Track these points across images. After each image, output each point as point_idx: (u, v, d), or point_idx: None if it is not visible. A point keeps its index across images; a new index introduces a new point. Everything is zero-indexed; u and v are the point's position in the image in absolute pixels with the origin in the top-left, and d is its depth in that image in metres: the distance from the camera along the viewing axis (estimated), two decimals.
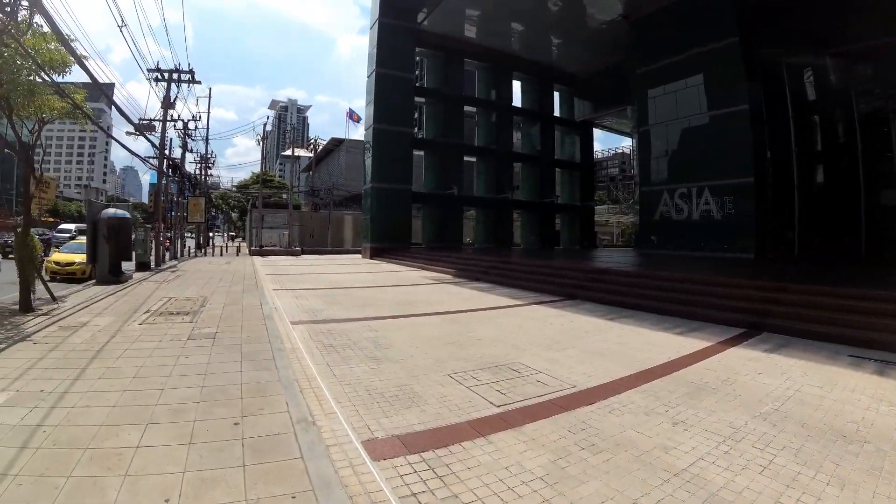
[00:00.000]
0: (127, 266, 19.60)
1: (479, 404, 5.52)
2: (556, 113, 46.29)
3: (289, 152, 63.52)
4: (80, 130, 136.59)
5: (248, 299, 13.21)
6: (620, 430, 4.78)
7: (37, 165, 12.27)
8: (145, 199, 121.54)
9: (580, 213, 46.26)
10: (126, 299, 13.11)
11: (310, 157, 65.75)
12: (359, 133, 67.13)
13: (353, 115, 67.46)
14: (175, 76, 26.98)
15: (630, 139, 59.77)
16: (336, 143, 66.04)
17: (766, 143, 25.07)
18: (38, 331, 8.88)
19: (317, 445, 4.40)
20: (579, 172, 46.63)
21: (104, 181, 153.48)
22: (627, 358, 7.52)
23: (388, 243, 33.41)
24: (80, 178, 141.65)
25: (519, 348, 8.08)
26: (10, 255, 16.01)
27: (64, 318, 10.24)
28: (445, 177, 38.03)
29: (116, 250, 17.55)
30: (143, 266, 22.74)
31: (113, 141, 21.69)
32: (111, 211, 18.27)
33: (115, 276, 17.16)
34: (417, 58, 38.53)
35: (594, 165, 53.04)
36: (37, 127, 12.19)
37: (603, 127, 53.22)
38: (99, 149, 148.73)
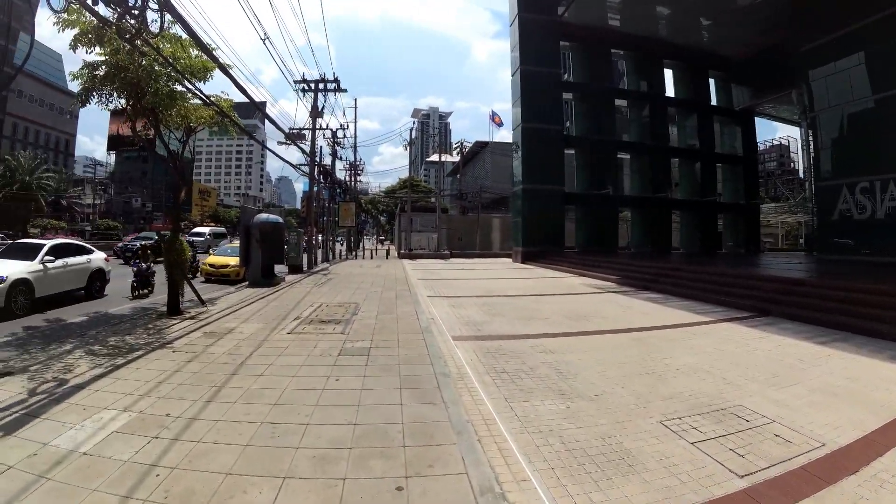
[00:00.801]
0: (280, 269, 19.96)
1: (715, 472, 4.06)
2: (713, 102, 41.40)
3: (433, 158, 64.54)
4: (237, 144, 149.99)
5: (403, 307, 12.48)
6: None
7: (195, 176, 12.64)
8: (299, 205, 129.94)
9: (744, 213, 41.24)
10: (276, 304, 12.89)
11: (453, 163, 66.39)
12: (500, 136, 66.92)
13: (495, 118, 67.01)
14: (321, 85, 27.63)
15: (793, 128, 54.11)
16: (481, 146, 65.40)
17: None
18: (180, 336, 8.59)
19: None
20: (741, 167, 41.43)
21: (261, 189, 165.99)
22: (867, 400, 5.77)
23: (540, 247, 31.92)
24: (238, 188, 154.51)
25: (732, 383, 6.44)
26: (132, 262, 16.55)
27: (210, 323, 9.94)
28: (598, 176, 35.56)
29: (269, 254, 17.93)
30: (295, 269, 23.32)
31: (268, 153, 22.74)
32: (263, 216, 18.75)
33: (266, 279, 17.47)
34: (561, 52, 36.36)
35: (757, 159, 47.87)
36: (184, 136, 12.29)
37: (764, 115, 47.23)
38: (255, 159, 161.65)
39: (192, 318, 10.53)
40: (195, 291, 12.18)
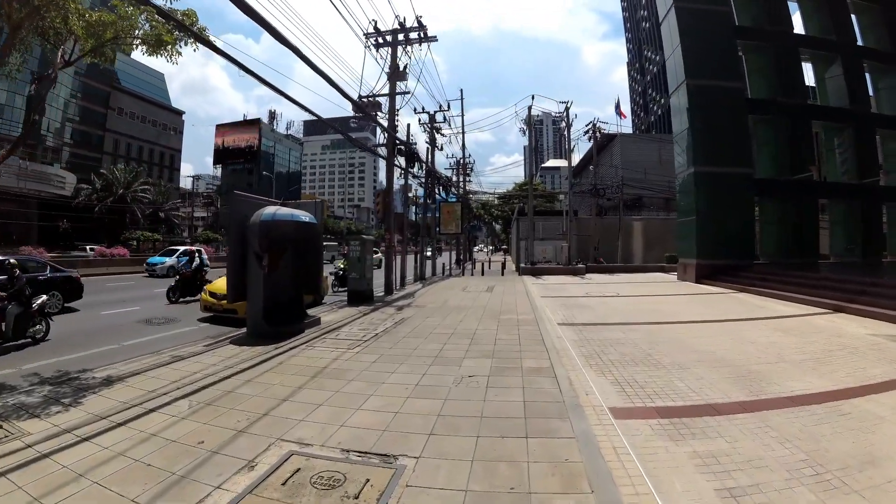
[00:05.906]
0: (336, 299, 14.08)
1: None
2: None
3: (549, 163, 56.23)
4: (350, 156, 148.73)
5: None
6: None
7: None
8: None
9: None
10: (197, 431, 4.88)
11: (570, 168, 56.97)
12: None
13: (619, 110, 59.30)
14: (400, 36, 19.31)
15: None
16: (608, 139, 56.17)
17: None
18: None
19: None
20: None
21: (375, 201, 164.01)
22: None
23: (723, 258, 21.73)
24: (350, 200, 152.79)
25: None
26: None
27: None
28: (792, 154, 24.69)
29: (291, 279, 10.25)
30: (358, 297, 15.47)
31: (380, 163, 15.32)
32: (271, 209, 10.00)
33: (276, 326, 9.53)
34: None
35: None
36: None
37: None
38: (367, 170, 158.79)
39: None
40: None
